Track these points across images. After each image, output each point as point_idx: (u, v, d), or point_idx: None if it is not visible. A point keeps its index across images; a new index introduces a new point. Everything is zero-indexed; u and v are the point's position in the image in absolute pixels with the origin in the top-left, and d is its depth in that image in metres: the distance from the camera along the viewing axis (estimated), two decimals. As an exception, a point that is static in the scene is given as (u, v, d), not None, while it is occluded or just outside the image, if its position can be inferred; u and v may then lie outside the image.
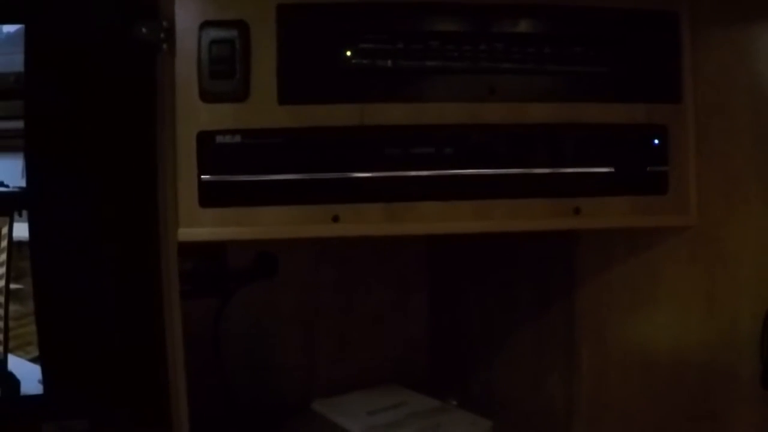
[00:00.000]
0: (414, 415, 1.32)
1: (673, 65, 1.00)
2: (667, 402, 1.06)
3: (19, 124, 0.91)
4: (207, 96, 0.91)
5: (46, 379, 0.95)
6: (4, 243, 0.97)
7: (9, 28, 0.94)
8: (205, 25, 0.91)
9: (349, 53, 0.93)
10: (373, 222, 0.93)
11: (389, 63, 0.93)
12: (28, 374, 1.05)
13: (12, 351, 1.04)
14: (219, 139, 0.91)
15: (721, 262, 0.99)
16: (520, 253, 1.28)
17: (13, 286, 1.01)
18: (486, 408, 1.34)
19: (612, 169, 0.98)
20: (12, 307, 1.02)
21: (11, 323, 1.03)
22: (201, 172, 0.91)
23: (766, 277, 0.95)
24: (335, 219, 0.93)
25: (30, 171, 0.86)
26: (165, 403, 0.98)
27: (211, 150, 0.91)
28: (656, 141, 1.00)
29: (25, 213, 0.92)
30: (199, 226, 0.91)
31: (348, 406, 1.36)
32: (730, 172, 0.98)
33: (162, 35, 0.90)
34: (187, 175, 0.91)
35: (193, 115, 0.91)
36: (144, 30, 0.88)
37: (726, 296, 0.99)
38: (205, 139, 0.91)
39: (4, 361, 1.02)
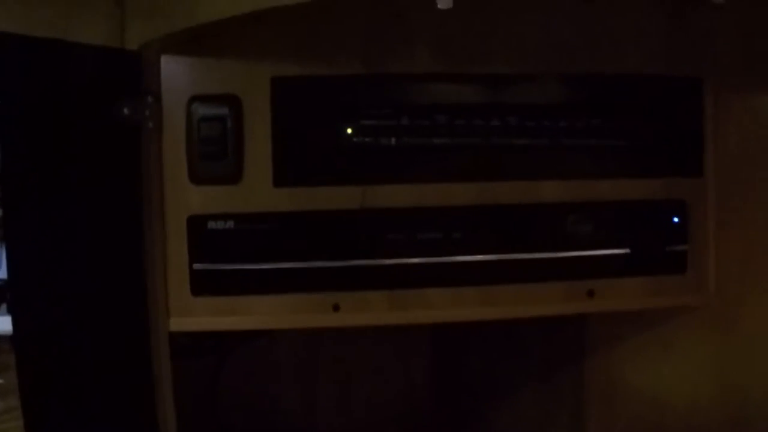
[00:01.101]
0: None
1: (695, 136, 0.95)
2: None
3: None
4: (197, 178, 0.85)
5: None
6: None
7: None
8: (194, 100, 0.85)
9: (349, 130, 0.87)
10: (375, 311, 0.88)
11: (393, 141, 0.87)
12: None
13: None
14: (211, 224, 0.86)
15: (734, 338, 0.95)
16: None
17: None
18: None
19: (628, 250, 0.92)
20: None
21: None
22: (193, 259, 0.85)
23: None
24: (336, 308, 0.87)
25: (11, 264, 0.81)
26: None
27: (202, 236, 0.85)
28: (675, 218, 0.94)
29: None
30: (191, 315, 0.86)
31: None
32: (749, 248, 0.94)
33: (147, 112, 0.84)
34: (177, 263, 0.86)
35: (182, 198, 0.85)
36: (126, 111, 0.82)
37: (738, 375, 0.95)
38: (196, 224, 0.85)
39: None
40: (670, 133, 0.94)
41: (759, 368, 0.93)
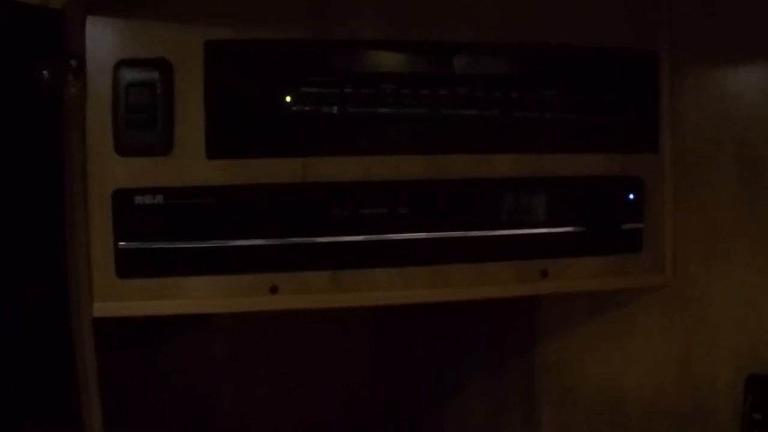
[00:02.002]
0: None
1: (650, 111, 0.91)
2: None
3: None
4: (124, 149, 0.78)
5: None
6: None
7: None
8: (122, 64, 0.78)
9: (289, 99, 0.81)
10: (317, 292, 0.82)
11: (335, 110, 0.81)
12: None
13: None
14: (138, 199, 0.78)
15: (697, 324, 0.91)
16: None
17: None
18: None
19: (583, 228, 0.88)
20: None
21: None
22: (118, 238, 0.78)
23: (745, 340, 0.87)
24: (273, 290, 0.81)
25: None
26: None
27: (129, 212, 0.78)
28: (631, 195, 0.90)
29: None
30: (117, 300, 0.79)
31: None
32: (711, 229, 0.90)
33: (70, 77, 0.77)
34: (101, 242, 0.78)
35: (107, 171, 0.78)
36: (46, 75, 0.74)
37: (702, 359, 0.91)
38: (121, 199, 0.78)
39: None
40: (625, 107, 0.90)
41: (725, 352, 0.89)
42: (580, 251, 0.89)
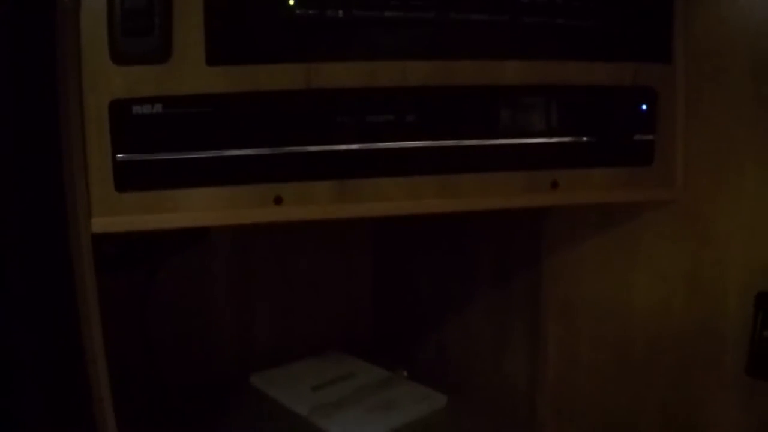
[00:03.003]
0: (362, 390, 1.22)
1: (663, 19, 0.88)
2: (642, 386, 0.97)
3: None
4: (120, 57, 0.74)
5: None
6: None
7: None
8: (116, -34, 0.74)
9: (291, 1, 0.77)
10: (322, 203, 0.80)
11: (340, 13, 0.78)
12: None
13: None
14: (136, 109, 0.75)
15: (706, 240, 0.89)
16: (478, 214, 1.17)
17: None
18: (439, 380, 1.24)
19: (594, 138, 0.86)
20: None
21: None
22: (116, 150, 0.75)
23: (755, 257, 0.85)
24: (278, 201, 0.79)
25: None
26: (87, 396, 0.85)
27: (127, 123, 0.75)
28: (644, 106, 0.88)
29: None
30: (116, 214, 0.76)
31: (290, 381, 1.24)
32: (723, 143, 0.87)
33: (62, -18, 0.73)
34: (99, 155, 0.75)
35: (103, 81, 0.74)
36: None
37: (711, 276, 0.89)
38: (119, 109, 0.75)
39: None
40: (638, 16, 0.87)
41: (735, 270, 0.87)
42: (590, 162, 0.87)
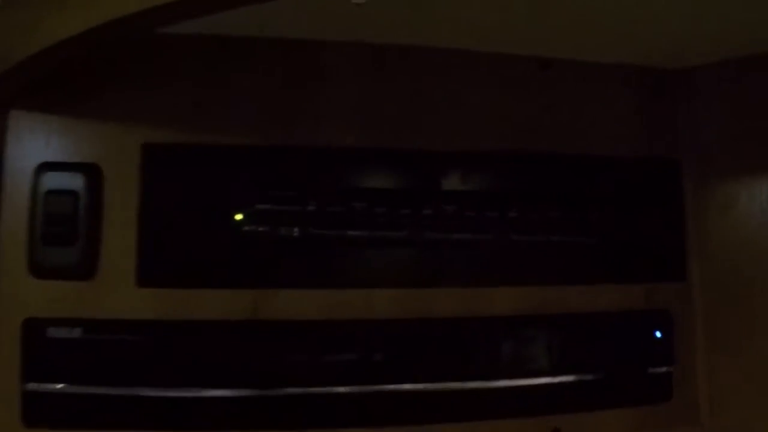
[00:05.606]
0: None
1: (675, 231, 0.77)
2: None
3: None
4: (39, 269, 0.66)
5: None
6: None
7: None
8: (44, 167, 0.66)
9: (240, 216, 0.67)
10: None
11: (296, 232, 0.67)
12: None
13: None
14: (52, 332, 0.65)
15: None
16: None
17: None
18: None
19: (601, 375, 0.73)
20: None
21: None
22: (26, 377, 0.65)
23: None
24: None
25: None
26: None
27: (40, 346, 0.65)
28: (657, 332, 0.76)
29: None
30: None
31: None
32: (753, 368, 0.74)
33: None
34: (7, 380, 0.65)
35: (19, 295, 0.65)
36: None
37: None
38: (33, 329, 0.65)
39: None
40: (647, 226, 0.76)
41: None
42: (598, 404, 0.74)
